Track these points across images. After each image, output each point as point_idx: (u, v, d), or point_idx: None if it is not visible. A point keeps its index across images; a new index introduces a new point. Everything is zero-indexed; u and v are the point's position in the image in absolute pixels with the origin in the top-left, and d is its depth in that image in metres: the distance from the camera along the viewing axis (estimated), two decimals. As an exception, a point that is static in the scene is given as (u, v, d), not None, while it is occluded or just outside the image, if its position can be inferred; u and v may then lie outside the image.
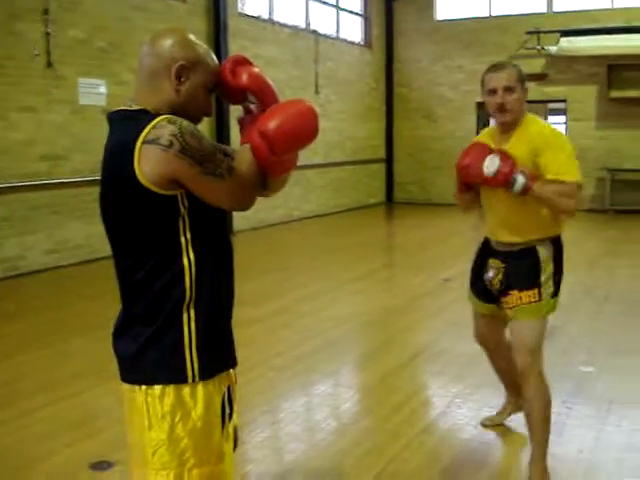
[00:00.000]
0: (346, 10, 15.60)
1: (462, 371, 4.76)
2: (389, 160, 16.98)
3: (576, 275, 8.26)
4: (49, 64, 8.52)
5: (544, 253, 3.31)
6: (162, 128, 1.85)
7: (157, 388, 1.94)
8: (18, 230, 8.26)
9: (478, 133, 4.08)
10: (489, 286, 3.48)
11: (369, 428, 4.06)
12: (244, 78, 2.03)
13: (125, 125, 1.93)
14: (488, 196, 3.43)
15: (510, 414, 4.02)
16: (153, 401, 1.95)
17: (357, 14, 16.14)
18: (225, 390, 2.03)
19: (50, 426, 4.09)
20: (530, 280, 3.29)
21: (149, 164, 1.84)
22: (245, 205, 2.02)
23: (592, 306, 6.83)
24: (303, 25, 13.94)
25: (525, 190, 3.11)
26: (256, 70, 2.06)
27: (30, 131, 8.39)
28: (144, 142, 1.84)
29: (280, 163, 2.04)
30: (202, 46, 2.03)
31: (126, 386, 2.03)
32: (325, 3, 14.77)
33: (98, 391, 4.64)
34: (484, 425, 4.03)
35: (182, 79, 1.97)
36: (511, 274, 3.35)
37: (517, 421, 3.84)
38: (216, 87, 2.05)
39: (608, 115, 14.64)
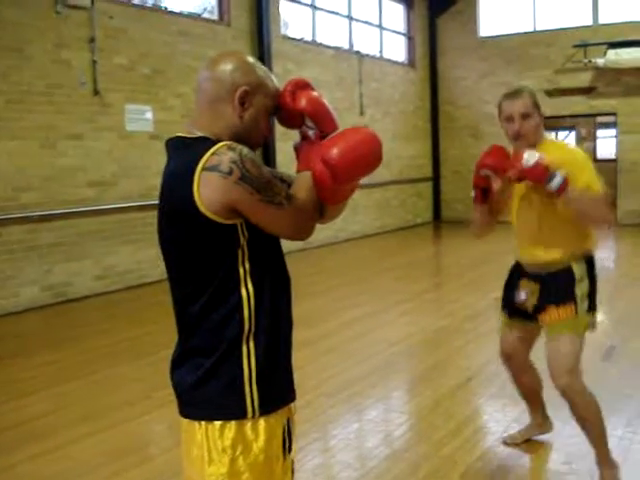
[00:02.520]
0: (389, 30, 15.57)
1: (519, 394, 4.59)
2: (436, 179, 16.84)
3: (633, 293, 8.04)
4: (96, 91, 8.62)
5: (579, 271, 3.31)
6: (222, 155, 1.79)
7: (217, 423, 1.87)
8: (67, 256, 8.33)
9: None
10: (521, 307, 3.48)
11: (423, 455, 3.92)
12: (304, 102, 1.98)
13: (184, 152, 1.88)
14: (520, 208, 3.38)
15: (533, 435, 3.96)
16: (213, 435, 1.88)
17: (400, 33, 16.10)
18: (285, 423, 1.95)
19: (97, 455, 4.04)
20: (566, 295, 3.29)
21: (209, 192, 1.78)
22: (304, 234, 1.96)
23: (651, 324, 6.60)
24: (346, 46, 13.93)
25: (562, 187, 3.02)
26: (316, 94, 2.02)
27: (78, 158, 8.47)
28: (203, 169, 1.78)
29: (341, 191, 1.99)
30: (262, 68, 1.98)
31: (184, 420, 1.96)
32: (368, 23, 14.76)
33: (147, 418, 4.60)
34: (505, 443, 3.96)
35: (245, 105, 1.91)
36: (546, 291, 3.34)
37: (579, 446, 3.66)
38: (277, 110, 1.99)
39: (660, 127, 14.33)
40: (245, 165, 1.79)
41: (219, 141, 1.84)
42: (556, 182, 3.01)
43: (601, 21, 14.80)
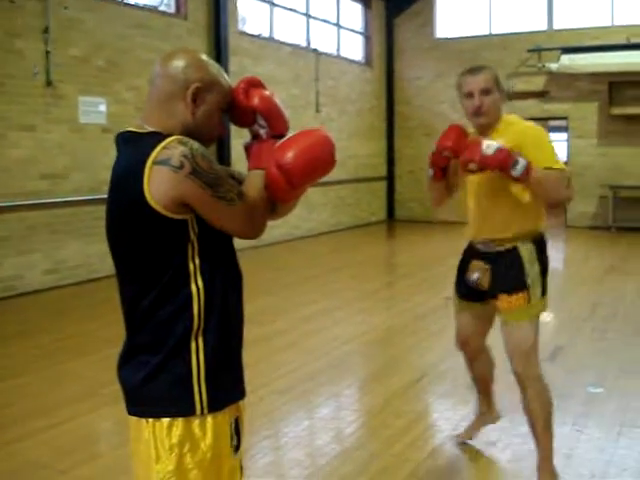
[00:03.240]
0: (347, 28, 15.60)
1: (469, 392, 4.63)
2: (390, 178, 16.94)
3: (581, 294, 8.20)
4: (49, 82, 8.47)
5: (527, 254, 3.28)
6: (173, 149, 1.78)
7: (165, 420, 1.86)
8: (16, 249, 8.18)
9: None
10: (475, 287, 3.43)
11: (374, 453, 3.94)
12: (256, 100, 1.98)
13: (134, 146, 1.87)
14: (472, 189, 3.37)
15: (481, 425, 3.97)
16: (160, 433, 1.86)
17: (358, 32, 16.14)
18: (233, 420, 1.94)
19: (43, 453, 3.98)
20: (517, 283, 3.26)
21: (159, 185, 1.77)
22: (255, 232, 1.95)
23: (599, 325, 6.72)
24: (304, 43, 13.92)
25: (526, 172, 3.00)
26: (269, 93, 2.02)
27: (29, 150, 8.32)
28: (154, 163, 1.77)
29: (294, 192, 2.00)
30: (215, 66, 1.97)
31: (132, 418, 1.94)
32: (326, 21, 14.77)
33: (95, 415, 4.55)
34: (458, 442, 3.98)
35: (197, 101, 1.91)
36: (498, 277, 3.32)
37: (527, 445, 3.72)
38: (229, 107, 1.99)
39: (610, 132, 14.59)
40: (196, 159, 1.79)
41: (170, 136, 1.84)
42: (519, 168, 2.98)
43: (556, 27, 15.02)
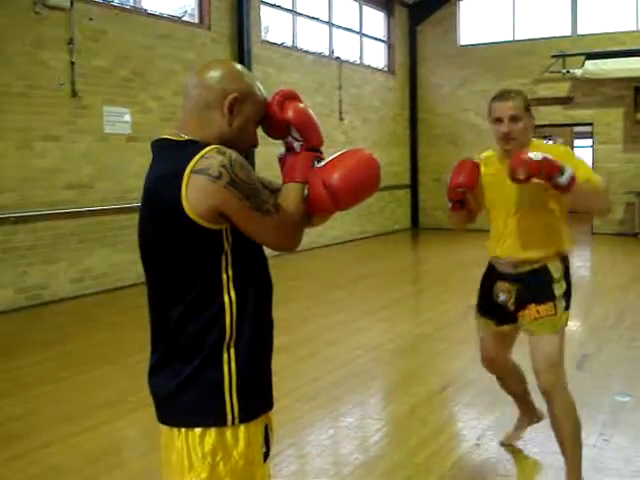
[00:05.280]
0: (369, 36, 15.62)
1: (494, 401, 4.61)
2: (414, 186, 16.91)
3: (608, 301, 8.11)
4: (74, 93, 8.56)
5: (556, 272, 3.31)
6: (211, 158, 1.78)
7: (197, 430, 1.86)
8: (43, 258, 8.26)
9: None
10: (503, 306, 3.44)
11: (398, 462, 3.92)
12: (291, 112, 1.98)
13: (172, 154, 1.86)
14: (497, 207, 3.38)
15: (526, 427, 4.00)
16: (193, 442, 1.86)
17: (380, 40, 16.15)
18: (263, 429, 1.94)
19: (70, 459, 4.00)
20: (546, 294, 3.28)
21: (196, 195, 1.76)
22: (290, 244, 1.95)
23: (626, 333, 6.65)
24: (327, 52, 13.96)
25: (571, 181, 2.94)
26: (304, 106, 2.02)
27: (55, 160, 8.41)
28: (192, 172, 1.77)
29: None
30: (250, 76, 1.98)
31: (164, 427, 1.95)
32: (349, 30, 14.79)
33: (121, 422, 4.57)
34: (503, 444, 3.98)
35: (234, 112, 1.91)
36: (526, 290, 3.33)
37: (555, 452, 3.68)
38: (264, 119, 1.99)
39: (635, 138, 14.49)
40: (234, 169, 1.78)
41: (208, 145, 1.83)
42: (566, 176, 2.92)
43: (580, 32, 14.94)
